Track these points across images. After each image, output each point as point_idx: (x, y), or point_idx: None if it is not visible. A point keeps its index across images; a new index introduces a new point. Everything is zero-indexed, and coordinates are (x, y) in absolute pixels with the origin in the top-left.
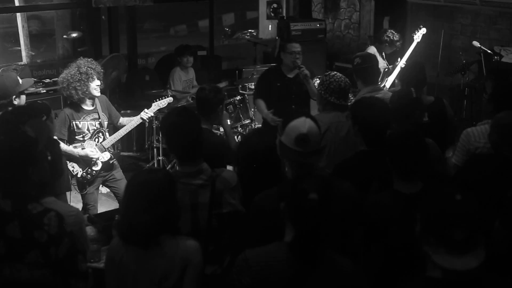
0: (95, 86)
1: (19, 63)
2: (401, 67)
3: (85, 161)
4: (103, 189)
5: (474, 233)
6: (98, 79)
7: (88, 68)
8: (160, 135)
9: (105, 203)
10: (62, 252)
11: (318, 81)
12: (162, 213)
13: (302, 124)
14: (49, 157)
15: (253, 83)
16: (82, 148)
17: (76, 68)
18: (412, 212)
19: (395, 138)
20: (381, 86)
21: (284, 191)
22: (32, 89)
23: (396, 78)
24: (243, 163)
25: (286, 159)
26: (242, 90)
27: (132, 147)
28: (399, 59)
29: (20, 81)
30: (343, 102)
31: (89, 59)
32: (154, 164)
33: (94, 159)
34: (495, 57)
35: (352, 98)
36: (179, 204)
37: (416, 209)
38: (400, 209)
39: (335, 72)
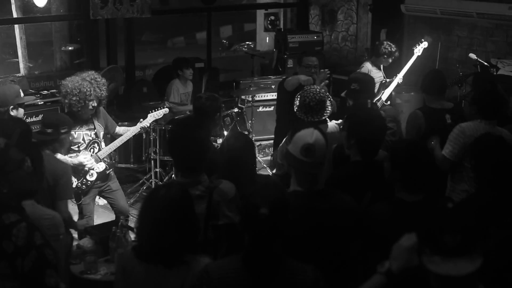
0: (90, 107)
1: (17, 74)
2: (398, 82)
3: (79, 171)
4: (100, 201)
5: (466, 238)
6: (96, 100)
7: (90, 90)
8: (158, 147)
9: (102, 215)
10: (27, 265)
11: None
12: (188, 231)
13: (309, 134)
14: (27, 163)
15: (250, 95)
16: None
17: (79, 83)
18: (413, 220)
19: (404, 149)
20: (377, 98)
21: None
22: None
23: (393, 91)
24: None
25: (292, 168)
26: (240, 104)
27: (129, 159)
28: (397, 75)
29: (22, 94)
30: (311, 118)
31: (96, 77)
32: (151, 176)
33: (88, 168)
34: (492, 69)
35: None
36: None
37: (417, 217)
38: (401, 217)
39: (311, 87)
